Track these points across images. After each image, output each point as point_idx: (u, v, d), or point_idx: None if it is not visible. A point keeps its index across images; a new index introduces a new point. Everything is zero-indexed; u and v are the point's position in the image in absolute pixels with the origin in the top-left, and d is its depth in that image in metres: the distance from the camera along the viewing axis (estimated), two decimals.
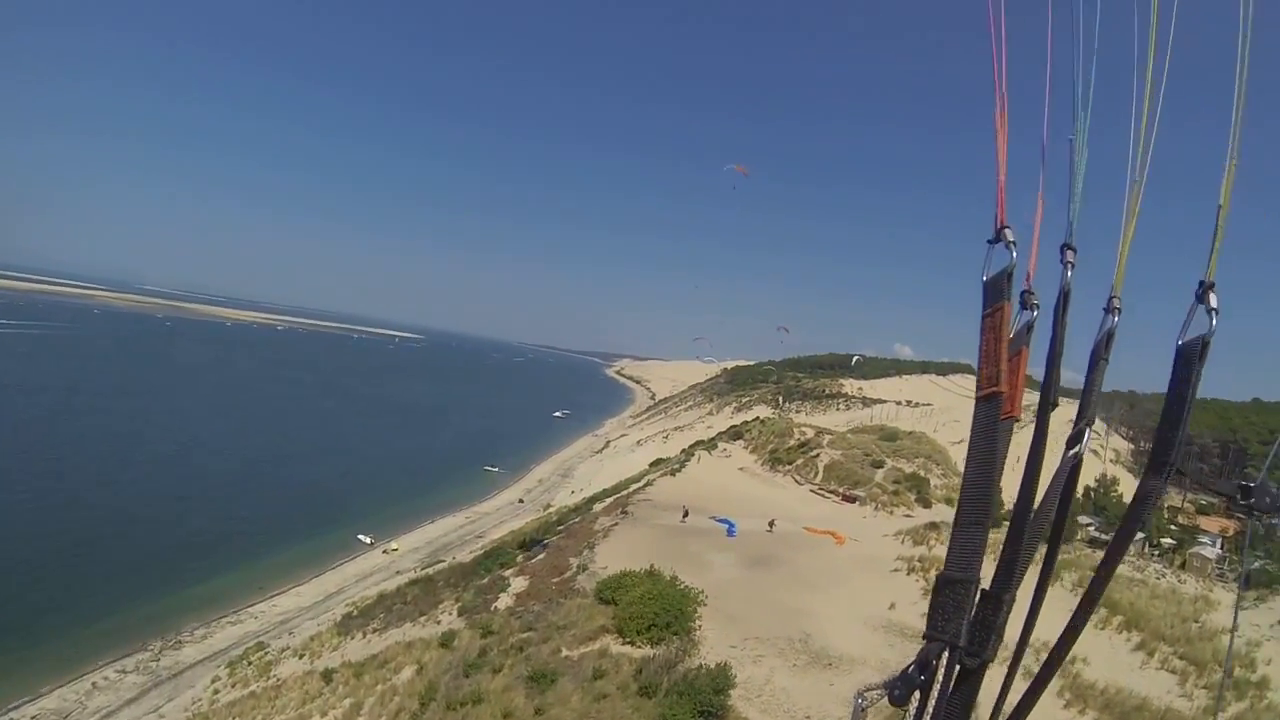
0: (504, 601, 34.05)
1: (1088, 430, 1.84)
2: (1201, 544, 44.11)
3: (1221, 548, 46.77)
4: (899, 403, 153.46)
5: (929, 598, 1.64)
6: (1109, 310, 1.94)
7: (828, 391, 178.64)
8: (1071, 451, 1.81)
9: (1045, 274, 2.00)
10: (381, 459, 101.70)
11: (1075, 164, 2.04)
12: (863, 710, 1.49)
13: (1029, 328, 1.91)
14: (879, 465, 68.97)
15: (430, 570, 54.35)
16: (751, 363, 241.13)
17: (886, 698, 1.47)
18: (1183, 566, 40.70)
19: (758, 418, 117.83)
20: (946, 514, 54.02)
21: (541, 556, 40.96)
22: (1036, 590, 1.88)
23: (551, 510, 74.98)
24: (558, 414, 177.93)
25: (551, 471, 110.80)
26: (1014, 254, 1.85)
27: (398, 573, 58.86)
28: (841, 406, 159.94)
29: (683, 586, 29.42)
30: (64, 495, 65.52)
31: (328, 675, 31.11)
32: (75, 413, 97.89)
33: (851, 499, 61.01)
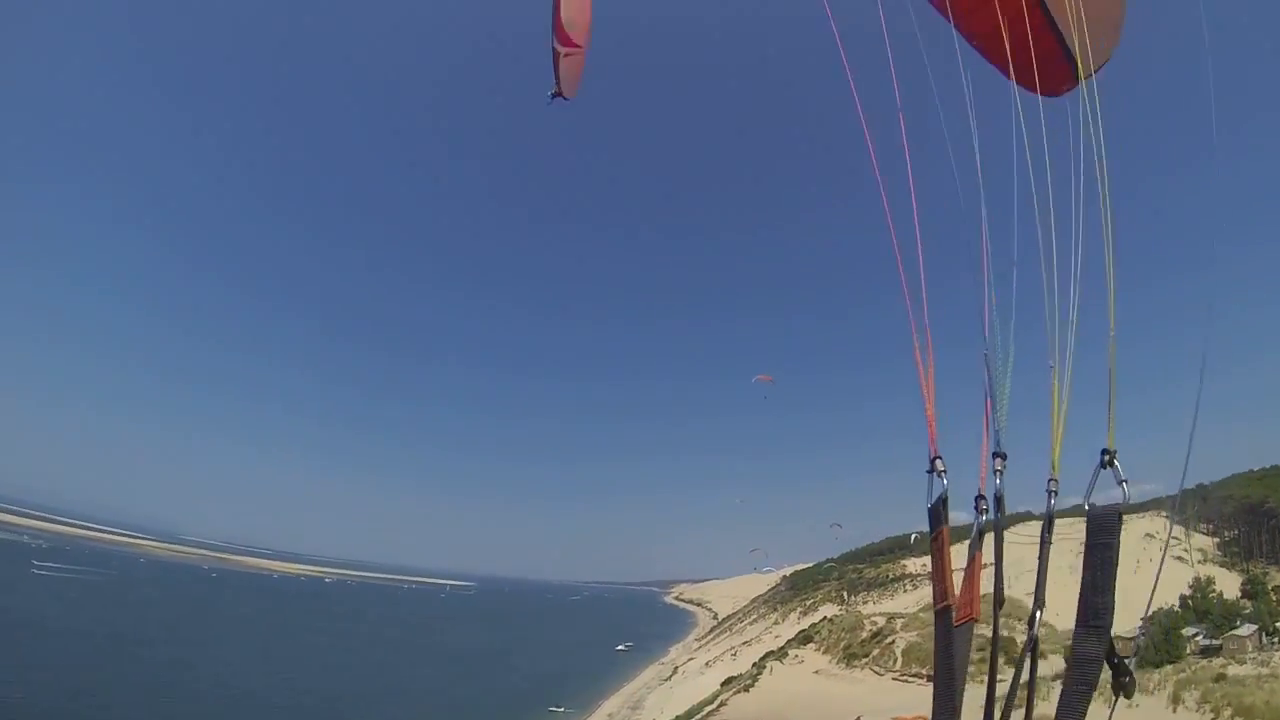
0: None
1: (1039, 612, 2.00)
2: None
3: None
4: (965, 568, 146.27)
5: None
6: (1049, 492, 2.07)
7: (891, 576, 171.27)
8: (1033, 630, 2.01)
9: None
10: (441, 707, 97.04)
11: (996, 377, 2.23)
12: None
13: (980, 533, 2.10)
14: None
15: None
16: (810, 565, 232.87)
17: None
18: None
19: (825, 617, 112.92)
20: (1041, 667, 50.07)
21: None
22: None
23: None
24: (620, 647, 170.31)
25: (620, 705, 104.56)
26: (945, 482, 2.06)
27: None
28: (909, 588, 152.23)
29: None
30: None
31: None
32: (119, 660, 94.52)
33: None
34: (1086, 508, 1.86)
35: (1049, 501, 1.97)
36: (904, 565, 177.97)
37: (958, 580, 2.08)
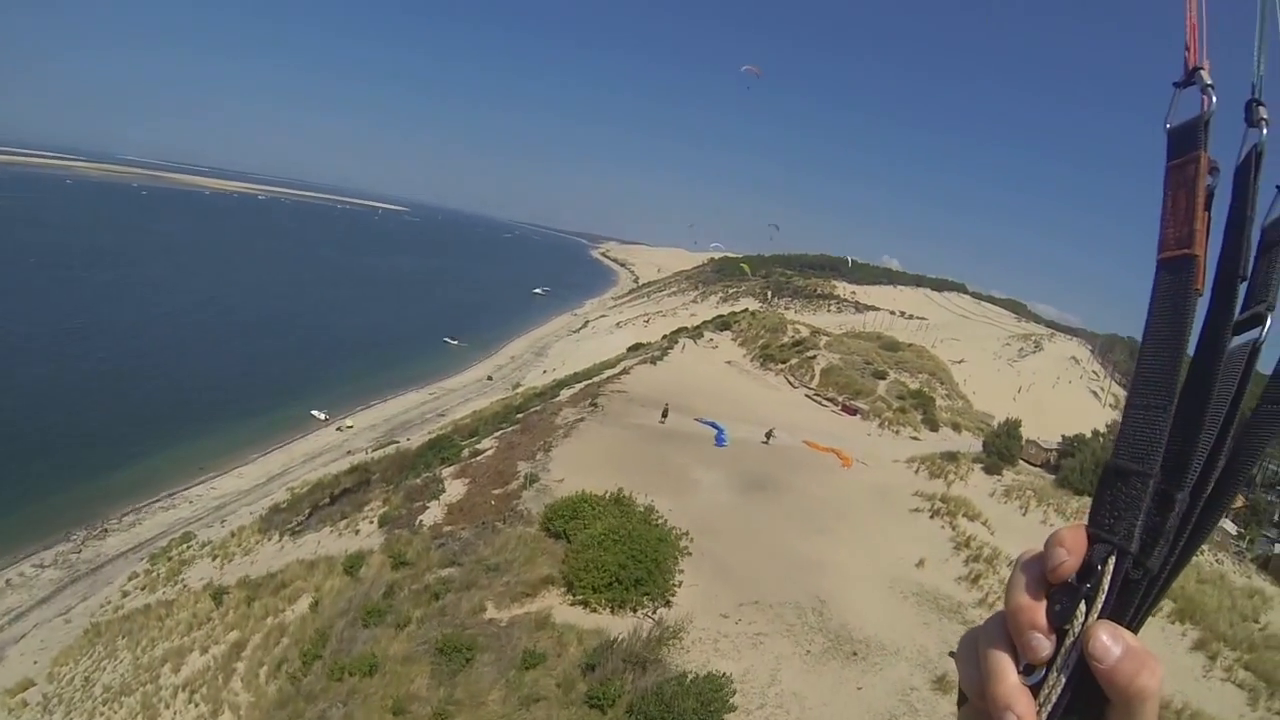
0: (433, 514, 26.95)
1: (1269, 315, 1.14)
2: None
3: (1235, 522, 41.54)
4: (893, 312, 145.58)
5: (1094, 491, 1.18)
6: None
7: (819, 291, 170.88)
8: (1244, 337, 1.37)
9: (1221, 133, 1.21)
10: (350, 331, 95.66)
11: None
12: None
13: (1209, 194, 1.21)
14: (881, 376, 62.15)
15: (375, 454, 48.07)
16: (740, 255, 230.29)
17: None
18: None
19: (746, 309, 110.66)
20: (956, 440, 47.82)
21: (489, 453, 33.84)
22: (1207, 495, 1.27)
23: (519, 390, 68.63)
24: (538, 290, 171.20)
25: (525, 349, 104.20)
26: (1214, 99, 1.21)
27: (349, 453, 53.44)
28: (833, 309, 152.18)
29: (659, 522, 21.97)
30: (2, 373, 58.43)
31: (218, 596, 25.19)
32: (28, 287, 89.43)
33: (853, 411, 54.36)
34: None
35: None
36: (834, 285, 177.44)
37: None
